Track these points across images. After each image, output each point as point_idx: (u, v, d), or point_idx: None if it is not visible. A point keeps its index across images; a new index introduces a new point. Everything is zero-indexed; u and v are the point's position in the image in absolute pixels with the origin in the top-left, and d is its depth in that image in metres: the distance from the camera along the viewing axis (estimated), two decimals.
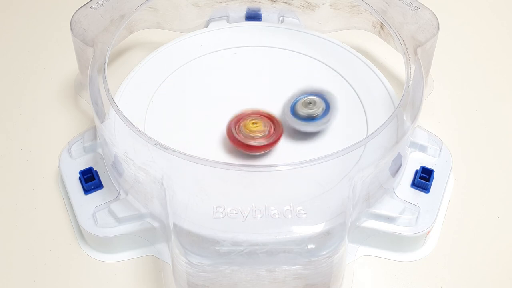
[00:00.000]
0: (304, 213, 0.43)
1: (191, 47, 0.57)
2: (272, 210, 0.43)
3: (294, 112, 0.50)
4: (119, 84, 0.53)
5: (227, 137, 0.48)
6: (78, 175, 0.49)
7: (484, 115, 0.58)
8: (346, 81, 0.54)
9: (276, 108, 0.51)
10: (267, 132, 0.48)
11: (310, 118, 0.49)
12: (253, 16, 0.60)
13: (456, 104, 0.59)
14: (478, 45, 0.64)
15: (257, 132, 0.48)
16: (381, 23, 0.55)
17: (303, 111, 0.49)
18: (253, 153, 0.48)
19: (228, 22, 0.59)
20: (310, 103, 0.50)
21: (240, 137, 0.48)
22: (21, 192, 0.52)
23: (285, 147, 0.49)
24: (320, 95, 0.50)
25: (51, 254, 0.48)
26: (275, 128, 0.49)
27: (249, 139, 0.48)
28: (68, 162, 0.50)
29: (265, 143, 0.48)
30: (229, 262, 0.41)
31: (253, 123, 0.48)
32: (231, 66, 0.55)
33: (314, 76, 0.55)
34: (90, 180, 0.49)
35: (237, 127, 0.48)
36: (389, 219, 0.47)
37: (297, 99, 0.50)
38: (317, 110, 0.49)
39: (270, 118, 0.49)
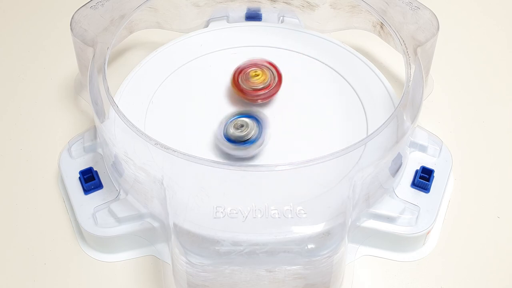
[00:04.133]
0: (304, 213, 0.43)
1: (191, 47, 0.57)
2: (272, 210, 0.43)
3: (226, 135, 0.47)
4: (119, 84, 0.53)
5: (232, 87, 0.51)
6: (78, 175, 0.49)
7: (484, 115, 0.58)
8: (346, 81, 0.54)
9: (276, 108, 0.51)
10: (268, 83, 0.51)
11: (242, 142, 0.47)
12: (253, 16, 0.60)
13: (456, 104, 0.59)
14: (478, 45, 0.64)
15: (259, 83, 0.50)
16: (381, 23, 0.55)
17: (234, 134, 0.47)
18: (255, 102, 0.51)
19: (228, 22, 0.59)
20: (242, 125, 0.48)
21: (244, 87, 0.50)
22: (21, 192, 0.52)
23: (280, 143, 0.49)
24: (252, 115, 0.48)
25: (51, 254, 0.48)
26: (275, 77, 0.51)
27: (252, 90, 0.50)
28: (68, 162, 0.50)
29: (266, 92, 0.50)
30: (229, 262, 0.41)
31: (255, 74, 0.51)
32: (231, 66, 0.55)
33: (314, 76, 0.55)
34: (90, 180, 0.49)
35: (240, 78, 0.51)
36: (389, 219, 0.47)
37: (229, 120, 0.48)
38: (249, 133, 0.47)
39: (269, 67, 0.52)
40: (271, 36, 0.58)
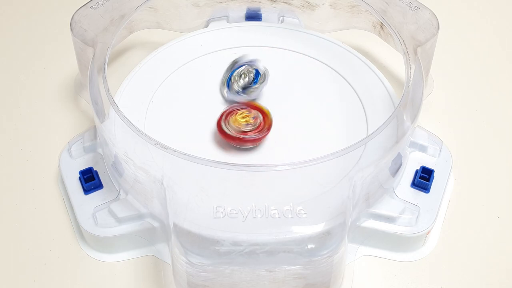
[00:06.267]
0: (304, 213, 0.43)
1: (191, 47, 0.57)
2: (272, 210, 0.43)
3: (230, 87, 0.52)
4: (119, 84, 0.53)
5: (217, 132, 0.49)
6: (78, 175, 0.49)
7: (484, 115, 0.58)
8: (346, 81, 0.54)
9: (276, 108, 0.51)
10: (257, 125, 0.49)
11: (247, 87, 0.51)
12: (253, 16, 0.60)
13: (456, 104, 0.59)
14: (478, 45, 0.64)
15: (248, 125, 0.49)
16: (381, 23, 0.55)
17: (239, 83, 0.51)
18: (243, 146, 0.49)
19: (228, 22, 0.59)
20: (241, 74, 0.51)
21: (230, 131, 0.48)
22: (21, 192, 0.52)
23: (277, 142, 0.49)
24: (248, 63, 0.52)
25: (51, 254, 0.48)
26: (265, 120, 0.49)
27: (240, 133, 0.48)
28: (68, 162, 0.50)
29: (256, 137, 0.48)
30: (229, 262, 0.41)
31: (242, 117, 0.49)
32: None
33: (314, 76, 0.55)
34: (90, 180, 0.49)
35: (226, 121, 0.49)
36: (389, 219, 0.47)
37: (230, 75, 0.52)
38: (249, 79, 0.51)
39: (259, 110, 0.50)
40: (271, 36, 0.58)
